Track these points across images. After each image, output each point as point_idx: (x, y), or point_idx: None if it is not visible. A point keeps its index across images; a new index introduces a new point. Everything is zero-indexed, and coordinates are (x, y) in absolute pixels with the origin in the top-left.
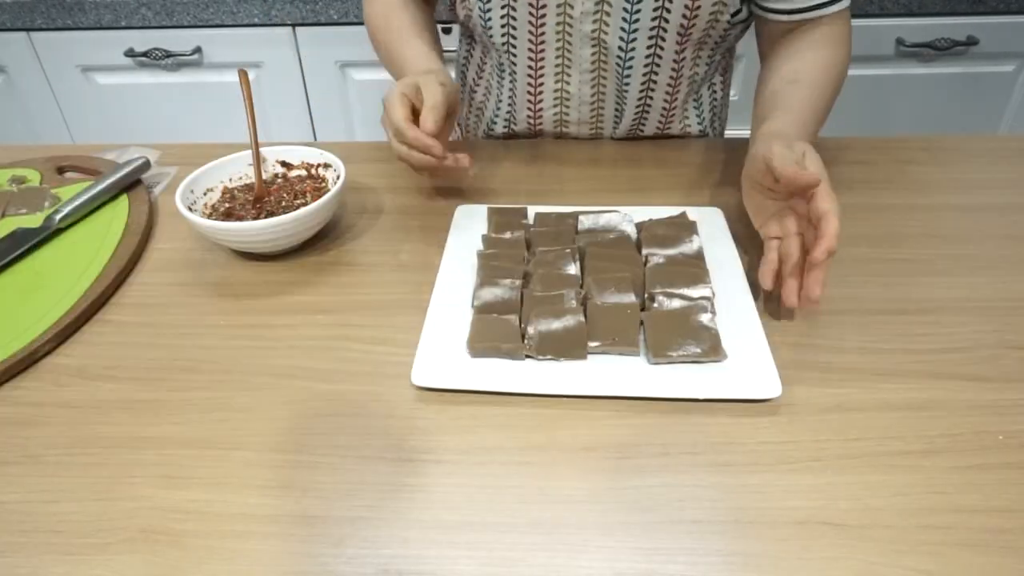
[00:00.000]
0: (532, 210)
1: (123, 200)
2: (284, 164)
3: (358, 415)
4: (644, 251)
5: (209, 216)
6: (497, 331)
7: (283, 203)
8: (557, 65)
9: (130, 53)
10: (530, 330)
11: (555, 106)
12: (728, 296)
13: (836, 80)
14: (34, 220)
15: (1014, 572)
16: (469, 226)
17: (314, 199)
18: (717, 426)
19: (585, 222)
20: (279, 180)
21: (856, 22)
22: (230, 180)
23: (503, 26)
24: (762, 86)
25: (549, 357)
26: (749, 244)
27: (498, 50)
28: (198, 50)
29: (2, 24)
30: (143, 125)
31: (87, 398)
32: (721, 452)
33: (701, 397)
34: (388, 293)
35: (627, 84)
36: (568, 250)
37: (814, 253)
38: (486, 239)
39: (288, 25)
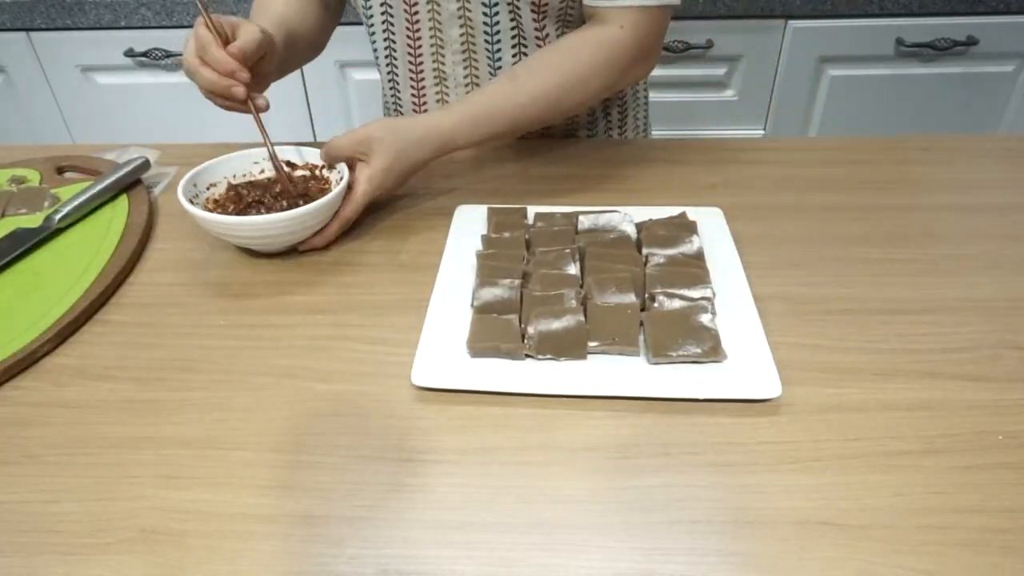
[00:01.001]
0: (532, 210)
1: (123, 200)
2: (289, 164)
3: (358, 415)
4: (644, 251)
5: (212, 212)
6: (497, 331)
7: (286, 202)
8: (432, 46)
9: (130, 53)
10: (530, 330)
11: (436, 85)
12: (728, 296)
13: (557, 83)
14: (34, 220)
15: (1014, 572)
16: (469, 226)
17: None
18: (717, 426)
19: (585, 222)
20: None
21: (856, 22)
22: (234, 176)
23: (382, 13)
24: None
25: (549, 357)
26: (749, 244)
27: (381, 36)
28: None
29: (2, 24)
30: (143, 125)
31: (87, 398)
32: (721, 452)
33: (701, 397)
34: (388, 293)
35: (499, 63)
36: (568, 250)
37: None
38: (486, 239)
39: None
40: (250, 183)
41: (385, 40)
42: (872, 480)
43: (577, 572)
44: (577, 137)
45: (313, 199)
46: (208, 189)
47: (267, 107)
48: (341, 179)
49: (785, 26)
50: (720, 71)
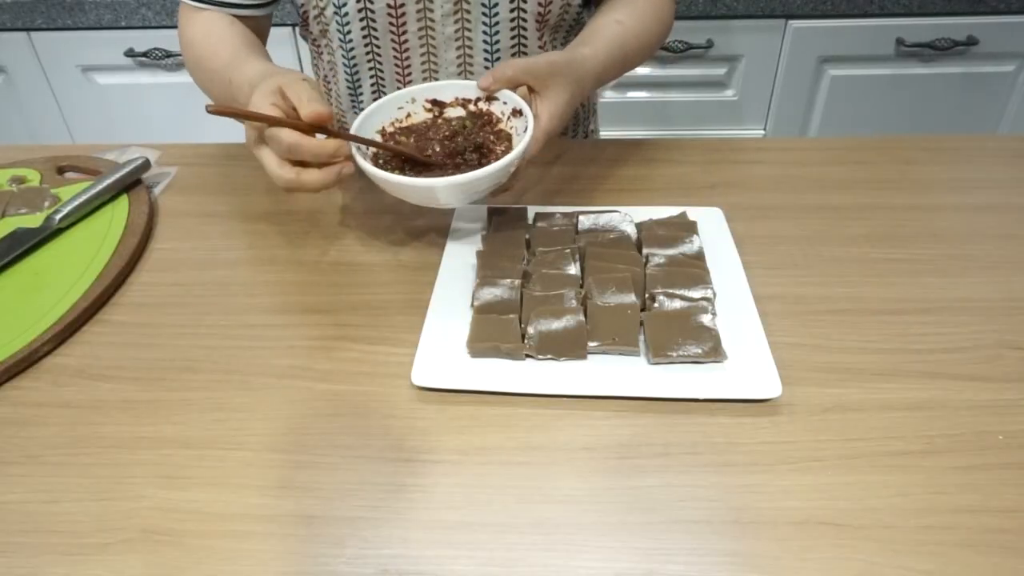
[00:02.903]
0: (532, 210)
1: (123, 200)
2: (435, 103)
3: (358, 415)
4: (645, 251)
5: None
6: (497, 331)
7: (467, 147)
8: (424, 70)
9: (130, 53)
10: (530, 330)
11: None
12: (728, 296)
13: (652, 30)
14: (34, 220)
15: (1014, 572)
16: (469, 226)
17: (497, 136)
18: (717, 426)
19: (585, 222)
20: (440, 122)
21: (856, 22)
22: (382, 128)
23: (364, 37)
24: (591, 21)
25: (549, 357)
26: (749, 244)
27: (360, 63)
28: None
29: (2, 24)
30: (143, 125)
31: (87, 398)
32: (721, 452)
33: (701, 397)
34: (388, 293)
35: None
36: (568, 250)
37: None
38: (486, 239)
39: (288, 25)
40: (405, 129)
41: (371, 69)
42: (872, 480)
43: (577, 572)
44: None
45: (467, 140)
46: (368, 148)
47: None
48: (519, 113)
49: (785, 26)
50: (720, 71)
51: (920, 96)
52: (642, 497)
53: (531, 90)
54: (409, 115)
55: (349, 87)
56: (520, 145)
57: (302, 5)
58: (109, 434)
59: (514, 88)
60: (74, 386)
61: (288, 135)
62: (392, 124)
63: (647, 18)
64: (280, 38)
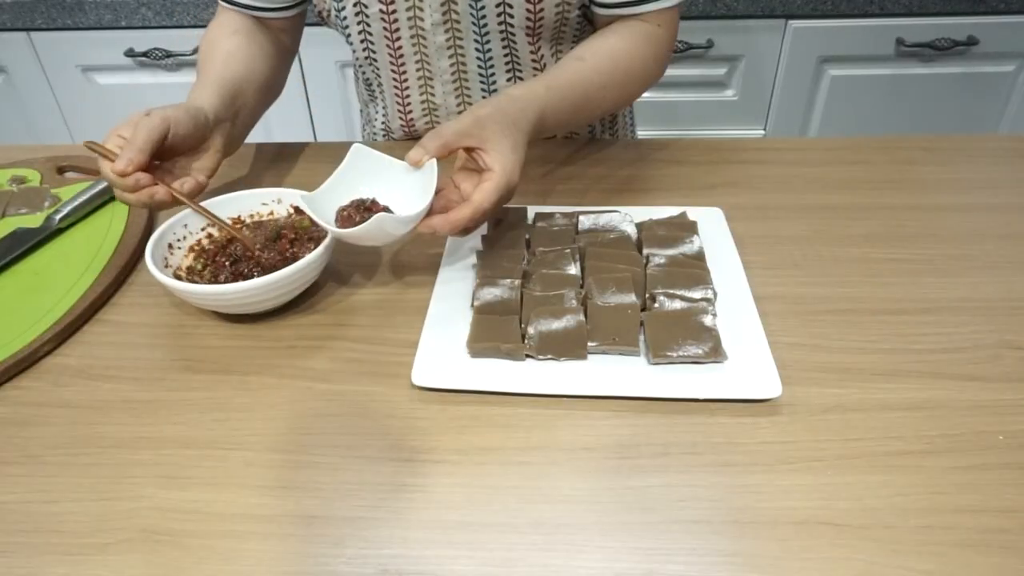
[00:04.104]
0: (532, 210)
1: None
2: (298, 211)
3: (358, 415)
4: (645, 251)
5: (205, 248)
6: (497, 331)
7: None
8: (419, 77)
9: (130, 53)
10: (530, 330)
11: (424, 116)
12: (728, 296)
13: (623, 68)
14: (34, 220)
15: (1014, 572)
16: None
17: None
18: (717, 426)
19: (585, 222)
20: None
21: (856, 22)
22: (239, 216)
23: (362, 42)
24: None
25: (549, 357)
26: (749, 244)
27: (364, 64)
28: (198, 50)
29: (2, 24)
30: None
31: (87, 398)
32: (721, 452)
33: (701, 397)
34: (388, 293)
35: (494, 87)
36: (568, 250)
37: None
38: (486, 239)
39: None
40: (257, 223)
41: (373, 70)
42: (872, 480)
43: (577, 572)
44: (574, 136)
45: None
46: (203, 229)
47: (199, 190)
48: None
49: (785, 26)
50: (720, 71)
51: (920, 96)
52: (642, 497)
53: (470, 150)
54: (272, 212)
55: (365, 82)
56: (272, 275)
57: (315, 5)
58: (109, 434)
59: (451, 153)
60: (74, 386)
61: (103, 166)
62: (251, 216)
63: (623, 56)
64: None
